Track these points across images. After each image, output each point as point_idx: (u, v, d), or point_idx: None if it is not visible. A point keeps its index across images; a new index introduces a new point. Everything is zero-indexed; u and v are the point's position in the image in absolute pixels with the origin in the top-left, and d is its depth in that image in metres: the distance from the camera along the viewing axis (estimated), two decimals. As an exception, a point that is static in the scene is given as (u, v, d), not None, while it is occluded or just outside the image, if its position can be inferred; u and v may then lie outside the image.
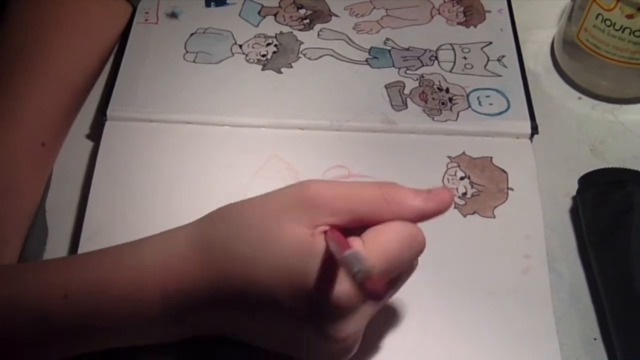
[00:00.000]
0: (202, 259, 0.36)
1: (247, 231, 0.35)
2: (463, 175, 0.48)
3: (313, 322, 0.35)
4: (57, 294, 0.36)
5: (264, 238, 0.34)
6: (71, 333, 0.37)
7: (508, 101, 0.52)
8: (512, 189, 0.47)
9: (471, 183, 0.48)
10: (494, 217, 0.46)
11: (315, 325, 0.35)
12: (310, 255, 0.33)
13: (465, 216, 0.46)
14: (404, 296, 0.43)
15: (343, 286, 0.33)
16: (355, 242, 0.34)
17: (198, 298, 0.36)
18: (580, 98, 0.55)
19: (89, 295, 0.36)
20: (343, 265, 0.31)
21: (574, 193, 0.48)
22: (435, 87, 0.53)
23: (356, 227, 0.35)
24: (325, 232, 0.34)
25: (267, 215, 0.35)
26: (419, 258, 0.37)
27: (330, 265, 0.33)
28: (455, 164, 0.49)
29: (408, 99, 0.52)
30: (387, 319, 0.42)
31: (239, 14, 0.57)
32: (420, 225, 0.36)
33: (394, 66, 0.54)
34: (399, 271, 0.36)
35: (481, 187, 0.48)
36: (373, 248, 0.34)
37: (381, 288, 0.27)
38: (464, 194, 0.47)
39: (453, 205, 0.47)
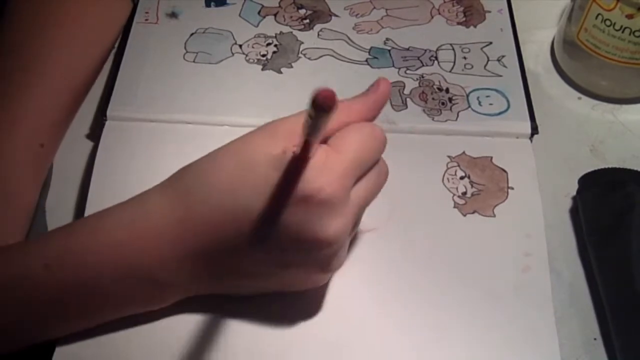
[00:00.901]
0: (179, 205, 0.36)
1: (226, 165, 0.36)
2: (463, 174, 0.48)
3: (297, 228, 0.35)
4: (37, 264, 0.36)
5: (244, 166, 0.35)
6: (56, 304, 0.37)
7: (508, 101, 0.52)
8: (513, 188, 0.47)
9: (471, 182, 0.48)
10: (494, 216, 0.46)
11: (299, 231, 0.35)
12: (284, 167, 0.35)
13: (465, 215, 0.46)
14: (403, 295, 0.43)
15: (315, 182, 0.34)
16: (321, 148, 0.35)
17: (181, 246, 0.36)
18: (580, 98, 0.55)
19: (68, 261, 0.36)
20: (305, 128, 0.32)
21: (574, 193, 0.48)
22: (435, 87, 0.53)
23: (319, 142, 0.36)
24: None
25: (241, 148, 0.37)
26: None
27: (297, 169, 0.35)
28: (455, 164, 0.49)
29: (408, 99, 0.52)
30: (387, 317, 0.42)
31: (239, 14, 0.57)
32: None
33: (393, 66, 0.54)
34: (367, 165, 0.37)
35: (481, 186, 0.48)
36: (339, 147, 0.36)
37: (328, 92, 0.28)
38: (464, 193, 0.47)
39: (453, 205, 0.47)
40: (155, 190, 0.38)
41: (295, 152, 0.35)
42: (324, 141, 0.37)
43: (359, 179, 0.37)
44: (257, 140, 0.37)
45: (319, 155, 0.35)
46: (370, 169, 0.38)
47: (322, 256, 0.37)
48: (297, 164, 0.35)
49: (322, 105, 0.28)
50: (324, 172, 0.35)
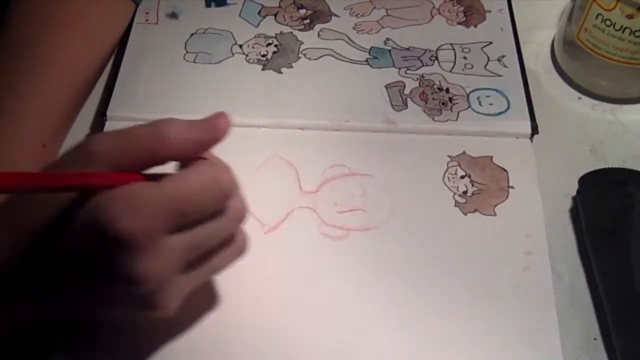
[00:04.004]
0: None
1: None
2: (463, 174, 0.48)
3: (109, 262, 0.32)
4: None
5: None
6: None
7: (508, 101, 0.52)
8: (513, 187, 0.47)
9: (472, 182, 0.48)
10: (495, 215, 0.46)
11: (112, 265, 0.32)
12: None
13: (466, 214, 0.46)
14: (403, 294, 0.43)
15: (117, 209, 0.31)
16: (139, 184, 0.33)
17: None
18: (580, 98, 0.55)
19: None
20: None
21: (574, 193, 0.48)
22: (435, 87, 0.53)
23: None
24: None
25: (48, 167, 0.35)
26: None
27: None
28: (456, 163, 0.49)
29: (408, 99, 0.52)
30: (387, 317, 0.42)
31: (239, 14, 0.57)
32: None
33: (394, 66, 0.54)
34: (196, 211, 0.34)
35: (482, 185, 0.48)
36: (163, 183, 0.33)
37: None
38: (465, 192, 0.47)
39: (454, 204, 0.47)
40: None
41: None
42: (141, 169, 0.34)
43: (189, 225, 0.34)
44: (69, 160, 0.34)
45: (129, 186, 0.32)
46: (211, 217, 0.35)
47: (135, 294, 0.34)
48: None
49: None
50: (128, 203, 0.31)
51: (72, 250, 0.33)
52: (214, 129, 0.35)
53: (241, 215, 0.37)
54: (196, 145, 0.35)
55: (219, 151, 0.49)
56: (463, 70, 0.54)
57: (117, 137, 0.34)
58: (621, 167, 0.48)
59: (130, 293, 0.34)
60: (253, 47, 0.55)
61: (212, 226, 0.35)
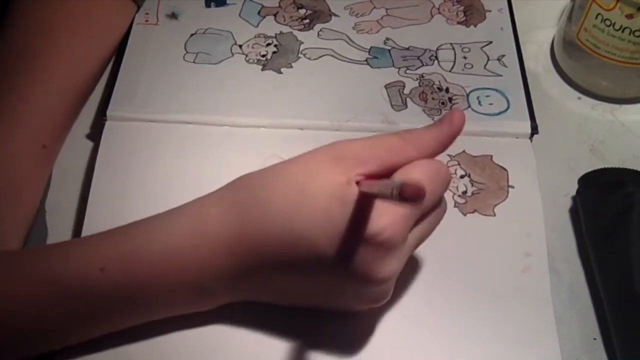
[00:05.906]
0: (236, 220, 0.37)
1: (284, 188, 0.36)
2: (463, 173, 0.48)
3: (354, 266, 0.35)
4: (94, 267, 0.37)
5: (302, 191, 0.35)
6: (112, 306, 0.38)
7: (508, 101, 0.52)
8: (513, 187, 0.47)
9: (471, 181, 0.48)
10: (494, 215, 0.46)
11: (356, 269, 0.35)
12: (349, 201, 0.35)
13: (465, 215, 0.46)
14: (403, 295, 0.43)
15: (378, 222, 0.34)
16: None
17: (234, 260, 0.37)
18: (580, 98, 0.55)
19: (124, 266, 0.37)
20: (381, 195, 0.32)
21: (574, 193, 0.48)
22: (435, 87, 0.53)
23: (385, 174, 0.37)
24: (357, 182, 0.36)
25: (302, 172, 0.37)
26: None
27: (364, 207, 0.34)
28: (456, 162, 0.49)
29: (408, 99, 0.52)
30: (387, 317, 0.42)
31: (239, 14, 0.57)
32: None
33: (393, 66, 0.54)
34: (430, 206, 0.37)
35: (481, 185, 0.48)
36: None
37: (419, 189, 0.28)
38: (464, 192, 0.47)
39: (453, 204, 0.47)
40: (212, 200, 0.39)
41: (359, 183, 0.35)
42: (389, 174, 0.36)
43: (419, 219, 0.37)
44: (319, 165, 0.36)
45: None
46: (432, 209, 0.38)
47: (373, 292, 0.37)
48: (364, 204, 0.34)
49: (413, 199, 0.28)
50: (388, 212, 0.34)
51: (341, 255, 0.35)
52: (451, 124, 0.38)
53: (445, 204, 0.40)
54: (437, 142, 0.38)
55: (218, 151, 0.49)
56: (463, 70, 0.54)
57: (365, 143, 0.37)
58: (621, 167, 0.48)
59: (369, 290, 0.37)
60: (253, 47, 0.55)
61: (435, 216, 0.39)
